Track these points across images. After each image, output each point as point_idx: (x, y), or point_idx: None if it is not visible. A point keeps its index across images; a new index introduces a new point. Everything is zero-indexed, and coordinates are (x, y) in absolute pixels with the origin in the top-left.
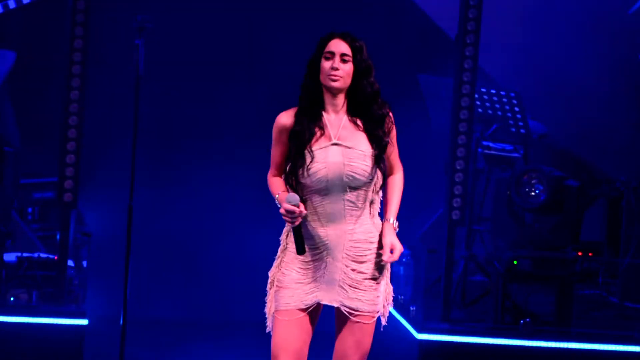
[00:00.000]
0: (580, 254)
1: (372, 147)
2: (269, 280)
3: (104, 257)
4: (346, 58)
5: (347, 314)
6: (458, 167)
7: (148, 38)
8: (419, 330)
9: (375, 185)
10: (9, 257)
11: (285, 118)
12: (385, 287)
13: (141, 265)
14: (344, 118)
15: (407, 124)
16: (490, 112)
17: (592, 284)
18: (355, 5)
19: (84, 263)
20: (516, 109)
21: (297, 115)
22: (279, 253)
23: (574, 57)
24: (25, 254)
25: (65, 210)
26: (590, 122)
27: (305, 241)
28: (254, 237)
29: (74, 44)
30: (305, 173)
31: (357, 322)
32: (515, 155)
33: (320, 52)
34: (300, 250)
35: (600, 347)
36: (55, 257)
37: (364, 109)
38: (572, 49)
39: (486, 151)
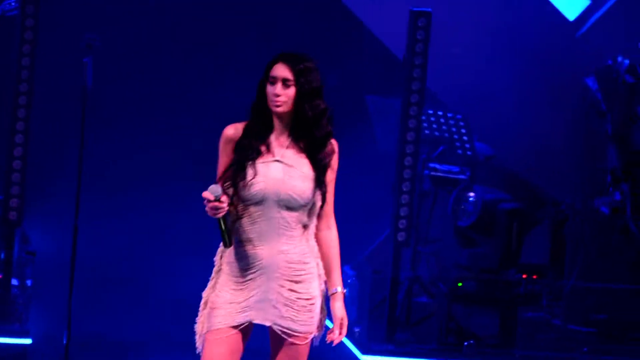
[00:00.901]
0: (524, 276)
1: (313, 170)
2: (202, 301)
3: (48, 276)
4: (289, 83)
5: (280, 334)
6: (404, 189)
7: (96, 55)
8: (364, 352)
9: (310, 210)
10: None
11: (233, 130)
12: (320, 309)
13: (85, 285)
14: (291, 139)
15: (353, 145)
16: (437, 133)
17: (536, 306)
18: (302, 25)
19: (28, 282)
20: (463, 130)
21: (244, 130)
22: (213, 274)
23: (521, 80)
24: None
25: (10, 229)
26: (536, 144)
27: (240, 260)
28: (199, 257)
29: (22, 62)
30: (245, 186)
31: (291, 342)
32: (462, 177)
33: (266, 76)
34: (226, 244)
35: None
36: (0, 276)
37: (306, 131)
38: (519, 72)
39: (432, 173)
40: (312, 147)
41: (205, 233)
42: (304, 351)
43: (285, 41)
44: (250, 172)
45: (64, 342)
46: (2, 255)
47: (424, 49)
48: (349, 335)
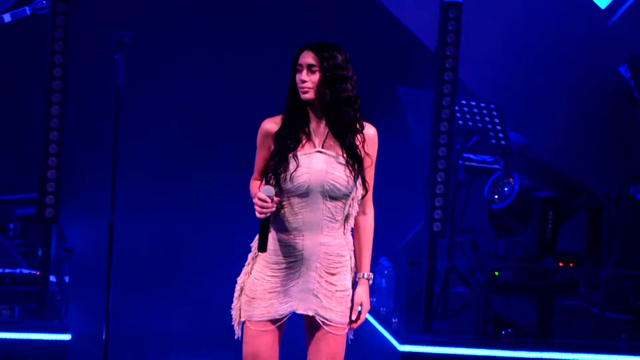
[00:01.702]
0: (561, 264)
1: (347, 157)
2: (238, 287)
3: (85, 272)
4: (313, 69)
5: (321, 324)
6: (439, 179)
7: (128, 52)
8: (401, 342)
9: (352, 199)
10: None
11: (271, 124)
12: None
13: (123, 280)
14: (327, 129)
15: (387, 137)
16: (470, 124)
17: (573, 294)
18: (335, 19)
19: (66, 278)
20: (496, 120)
21: (282, 122)
22: (249, 260)
23: (553, 68)
24: (7, 270)
25: (47, 226)
26: (570, 133)
27: (282, 249)
28: (235, 251)
29: (54, 60)
30: (289, 178)
31: (330, 332)
32: (496, 166)
33: (294, 64)
34: (262, 248)
35: (582, 356)
36: (38, 273)
37: (336, 117)
38: (552, 61)
39: (467, 163)
40: (339, 134)
41: (240, 226)
42: (342, 341)
43: (317, 36)
44: (292, 164)
45: (103, 337)
46: (40, 253)
47: (455, 40)
48: (386, 326)
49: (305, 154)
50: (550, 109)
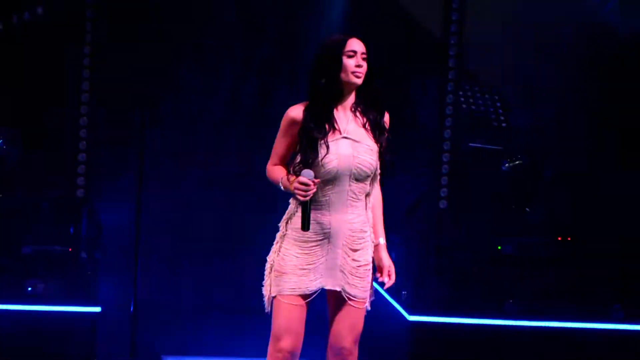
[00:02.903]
0: (559, 238)
1: (375, 141)
2: (268, 265)
3: (114, 248)
4: (364, 57)
5: (346, 299)
6: (444, 160)
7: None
8: (410, 313)
9: (373, 178)
10: (26, 249)
11: (296, 112)
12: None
13: (150, 256)
14: (350, 114)
15: (396, 122)
16: (473, 107)
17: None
18: (340, 10)
19: (97, 254)
20: (498, 104)
21: (308, 111)
22: (277, 239)
23: (554, 54)
24: (41, 247)
25: (78, 205)
26: (570, 115)
27: (309, 224)
28: (261, 226)
29: (84, 50)
30: (320, 164)
31: (353, 306)
32: (498, 148)
33: (338, 51)
34: (305, 227)
35: (582, 325)
36: (69, 249)
37: (367, 105)
38: (552, 46)
39: (470, 144)
40: (372, 121)
41: (267, 201)
42: (363, 313)
43: (323, 26)
44: (322, 151)
45: (131, 309)
46: (72, 230)
47: (458, 29)
48: (396, 298)
49: (333, 140)
50: (551, 92)
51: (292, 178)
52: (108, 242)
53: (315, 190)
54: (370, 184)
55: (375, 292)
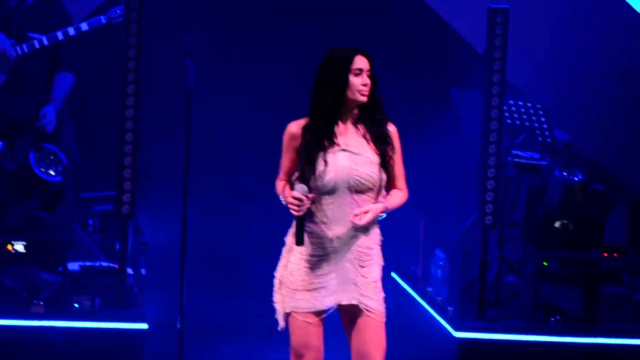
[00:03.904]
0: (605, 254)
1: (377, 154)
2: (277, 281)
3: (160, 264)
4: (368, 73)
5: (364, 310)
6: (489, 175)
7: (198, 56)
8: (456, 329)
9: (378, 192)
10: (73, 266)
11: (295, 127)
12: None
13: (196, 272)
14: (351, 127)
15: (441, 136)
16: (518, 122)
17: (616, 282)
18: (388, 26)
19: (143, 271)
20: (542, 119)
21: (308, 125)
22: (283, 253)
23: (596, 68)
24: (87, 263)
25: (124, 222)
26: (612, 130)
27: (313, 242)
28: None
29: (128, 66)
30: (317, 177)
31: (373, 319)
32: (543, 162)
33: (345, 68)
34: (299, 241)
35: (627, 341)
36: (116, 266)
37: (368, 118)
38: (596, 58)
39: (515, 159)
40: (374, 133)
41: None
42: (384, 328)
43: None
44: (321, 164)
45: (178, 326)
46: (117, 247)
47: (502, 43)
48: (442, 314)
49: (331, 153)
50: (593, 106)
51: (287, 192)
52: (154, 259)
53: (308, 205)
54: (376, 197)
55: (421, 308)
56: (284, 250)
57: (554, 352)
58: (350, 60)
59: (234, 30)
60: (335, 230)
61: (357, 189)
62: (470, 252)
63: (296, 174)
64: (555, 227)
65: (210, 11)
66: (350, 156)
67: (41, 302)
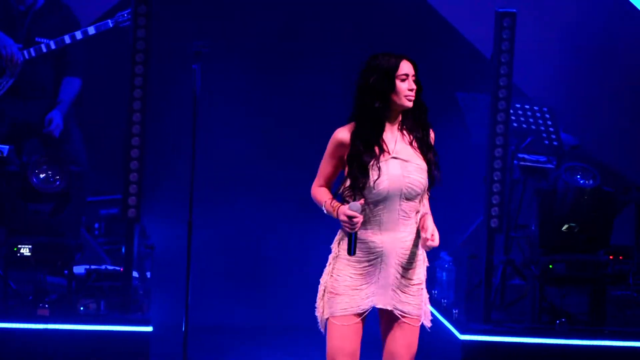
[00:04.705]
0: (611, 257)
1: (423, 159)
2: (321, 288)
3: (166, 268)
4: (414, 79)
5: (399, 317)
6: (495, 178)
7: (206, 62)
8: (462, 332)
9: (423, 196)
10: (78, 269)
11: (344, 134)
12: (425, 292)
13: (201, 275)
14: (397, 133)
15: (448, 138)
16: (524, 126)
17: (623, 285)
18: (395, 30)
19: (148, 274)
20: (549, 122)
21: (356, 133)
22: (330, 260)
23: (604, 71)
24: (93, 266)
25: (130, 225)
26: (619, 132)
27: (361, 248)
28: (310, 246)
29: (135, 70)
30: (372, 186)
31: (408, 324)
32: (549, 166)
33: (390, 74)
34: (352, 252)
35: (633, 344)
36: (121, 269)
37: (414, 124)
38: (603, 64)
39: (522, 163)
40: (420, 139)
41: (315, 224)
42: (417, 332)
43: (377, 44)
44: (373, 173)
45: (183, 329)
46: (123, 250)
47: (509, 47)
48: (447, 317)
49: (383, 162)
50: (600, 109)
51: (336, 204)
52: (159, 262)
53: (361, 220)
54: (421, 201)
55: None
56: (330, 257)
57: (559, 355)
58: (397, 66)
59: (242, 35)
60: (384, 235)
61: (408, 197)
62: (477, 255)
63: (346, 183)
64: (562, 230)
65: (219, 15)
66: (402, 164)
67: (47, 306)
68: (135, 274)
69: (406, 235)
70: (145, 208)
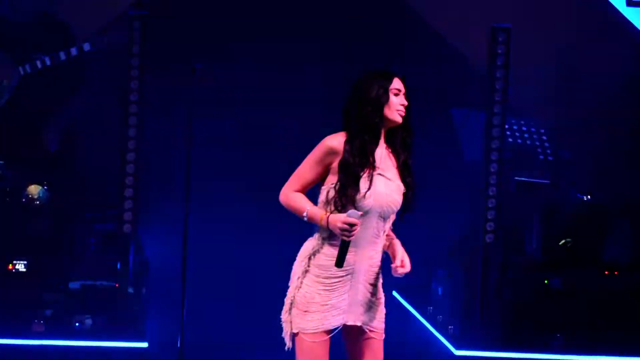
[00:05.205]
0: (606, 272)
1: (402, 182)
2: (288, 301)
3: (161, 283)
4: (404, 94)
5: (367, 331)
6: (490, 194)
7: (201, 79)
8: (458, 347)
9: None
10: (74, 285)
11: (336, 142)
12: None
13: (197, 291)
14: (384, 151)
15: (440, 155)
16: (520, 141)
17: (617, 299)
18: (389, 45)
19: (143, 290)
20: (544, 137)
21: (350, 143)
22: (298, 274)
23: (599, 85)
24: (88, 282)
25: (125, 241)
26: (614, 147)
27: (330, 266)
28: None
29: (130, 85)
30: (362, 198)
31: (375, 339)
32: (544, 181)
33: (384, 87)
34: (340, 264)
35: (628, 359)
36: (117, 285)
37: (401, 145)
38: (600, 78)
39: (517, 178)
40: (403, 162)
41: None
42: (382, 345)
43: (369, 59)
44: (363, 186)
45: (178, 345)
46: (119, 266)
47: (504, 62)
48: (443, 332)
49: (374, 175)
50: (594, 124)
51: (322, 212)
52: (155, 278)
53: (359, 228)
54: (392, 221)
55: (422, 327)
56: (300, 271)
57: None
58: (391, 79)
59: (238, 40)
60: (357, 253)
61: (384, 216)
62: (472, 270)
63: (330, 193)
64: (558, 245)
65: (215, 32)
66: (386, 182)
67: (42, 321)
68: (130, 289)
69: (374, 254)
70: (141, 223)
